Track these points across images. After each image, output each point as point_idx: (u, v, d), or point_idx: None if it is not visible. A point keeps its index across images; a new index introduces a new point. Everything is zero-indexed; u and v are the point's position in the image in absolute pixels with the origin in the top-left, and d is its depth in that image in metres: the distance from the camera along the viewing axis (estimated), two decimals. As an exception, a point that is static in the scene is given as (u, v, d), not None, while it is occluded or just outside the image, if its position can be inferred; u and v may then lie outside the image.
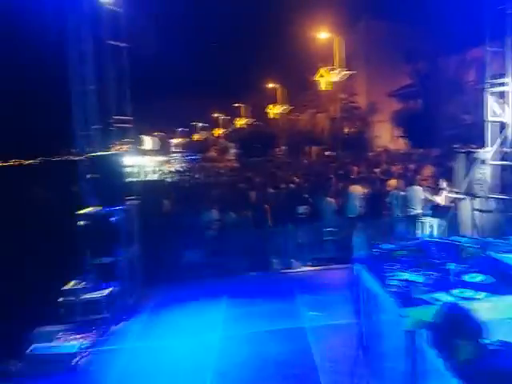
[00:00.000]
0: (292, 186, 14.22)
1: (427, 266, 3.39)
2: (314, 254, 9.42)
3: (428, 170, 14.16)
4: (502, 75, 8.06)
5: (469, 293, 2.94)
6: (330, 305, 6.45)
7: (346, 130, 32.91)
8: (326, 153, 35.99)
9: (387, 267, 3.30)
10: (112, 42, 7.65)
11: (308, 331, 5.75)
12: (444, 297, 2.93)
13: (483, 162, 8.02)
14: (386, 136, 33.90)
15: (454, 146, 16.37)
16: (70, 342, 5.58)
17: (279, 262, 9.06)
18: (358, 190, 10.61)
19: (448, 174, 11.41)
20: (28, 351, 5.34)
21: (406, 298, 2.97)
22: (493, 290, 2.98)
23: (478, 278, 3.17)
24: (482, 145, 8.37)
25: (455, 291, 2.98)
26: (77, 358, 5.30)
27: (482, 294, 2.92)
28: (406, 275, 3.19)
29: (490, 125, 8.12)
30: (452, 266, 3.27)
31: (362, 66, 36.67)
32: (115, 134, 7.80)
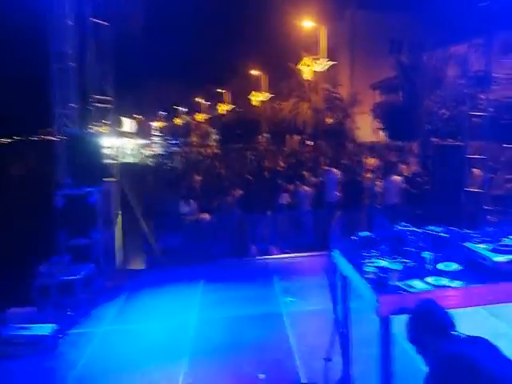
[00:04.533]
0: (272, 173, 14.26)
1: (404, 253, 3.44)
2: (292, 241, 9.50)
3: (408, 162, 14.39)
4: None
5: (444, 281, 3.00)
6: (307, 291, 6.52)
7: (327, 120, 33.00)
8: (308, 142, 36.16)
9: (365, 254, 3.32)
10: (94, 20, 7.48)
11: (285, 316, 5.80)
12: (419, 284, 2.99)
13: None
14: (367, 128, 34.15)
15: (433, 139, 16.66)
16: (45, 324, 5.51)
17: (257, 249, 9.09)
18: (336, 174, 10.76)
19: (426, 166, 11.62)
20: (1, 333, 5.25)
21: (383, 284, 3.01)
22: (466, 278, 3.04)
23: (453, 266, 3.23)
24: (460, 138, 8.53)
25: (430, 279, 3.03)
26: (51, 341, 5.24)
27: (456, 283, 2.98)
28: (383, 262, 3.23)
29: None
30: (427, 255, 3.32)
31: (346, 56, 36.74)
32: (94, 114, 7.66)
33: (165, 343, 5.29)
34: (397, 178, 10.14)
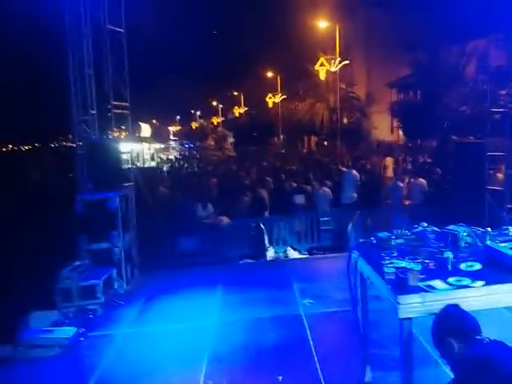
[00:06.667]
0: (289, 174, 14.24)
1: (425, 254, 3.39)
2: (310, 243, 9.45)
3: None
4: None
5: (465, 281, 2.95)
6: (326, 292, 6.48)
7: (344, 121, 32.83)
8: (325, 142, 36.01)
9: (384, 255, 3.29)
10: (111, 27, 7.57)
11: (304, 318, 5.77)
12: (440, 284, 2.94)
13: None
14: (385, 127, 33.83)
15: (453, 136, 16.42)
16: (66, 327, 5.58)
17: (276, 251, 9.07)
18: (355, 175, 10.69)
19: (445, 165, 11.45)
20: (23, 336, 5.34)
21: (403, 285, 2.97)
22: (489, 278, 2.98)
23: (475, 266, 3.17)
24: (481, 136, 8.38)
25: (452, 279, 2.98)
26: (72, 343, 5.30)
27: (478, 283, 2.92)
28: (403, 263, 3.18)
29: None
30: (449, 255, 3.27)
31: (362, 55, 36.46)
32: (113, 120, 7.75)
33: (184, 345, 5.30)
34: (420, 180, 10.09)
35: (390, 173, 14.54)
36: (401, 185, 10.14)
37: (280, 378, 4.42)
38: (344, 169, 12.25)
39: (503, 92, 9.88)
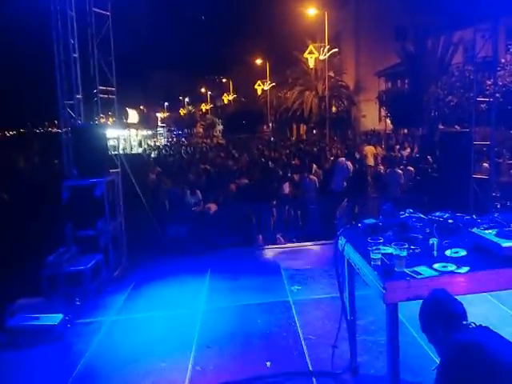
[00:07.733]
0: (277, 163, 14.24)
1: (411, 240, 3.43)
2: (298, 230, 9.50)
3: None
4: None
5: (451, 267, 2.99)
6: (314, 279, 6.54)
7: (333, 109, 32.86)
8: (314, 131, 36.05)
9: (371, 241, 3.31)
10: (97, 10, 7.43)
11: (292, 305, 5.82)
12: (426, 270, 2.98)
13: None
14: (373, 115, 33.93)
15: (440, 126, 16.52)
16: (53, 314, 5.55)
17: (264, 238, 9.10)
18: (344, 163, 10.73)
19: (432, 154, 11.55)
20: (9, 323, 5.31)
21: (389, 271, 3.00)
22: (474, 264, 3.03)
23: (461, 253, 3.22)
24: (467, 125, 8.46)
25: (437, 265, 3.03)
26: (59, 330, 5.29)
27: (463, 269, 2.97)
28: (390, 249, 3.21)
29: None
30: (435, 241, 3.31)
31: (351, 43, 36.40)
32: (99, 105, 7.63)
33: (172, 332, 5.32)
34: (410, 168, 10.21)
35: (369, 161, 14.62)
36: (399, 172, 10.25)
37: (268, 363, 4.46)
38: (341, 158, 12.17)
39: (489, 82, 9.96)
